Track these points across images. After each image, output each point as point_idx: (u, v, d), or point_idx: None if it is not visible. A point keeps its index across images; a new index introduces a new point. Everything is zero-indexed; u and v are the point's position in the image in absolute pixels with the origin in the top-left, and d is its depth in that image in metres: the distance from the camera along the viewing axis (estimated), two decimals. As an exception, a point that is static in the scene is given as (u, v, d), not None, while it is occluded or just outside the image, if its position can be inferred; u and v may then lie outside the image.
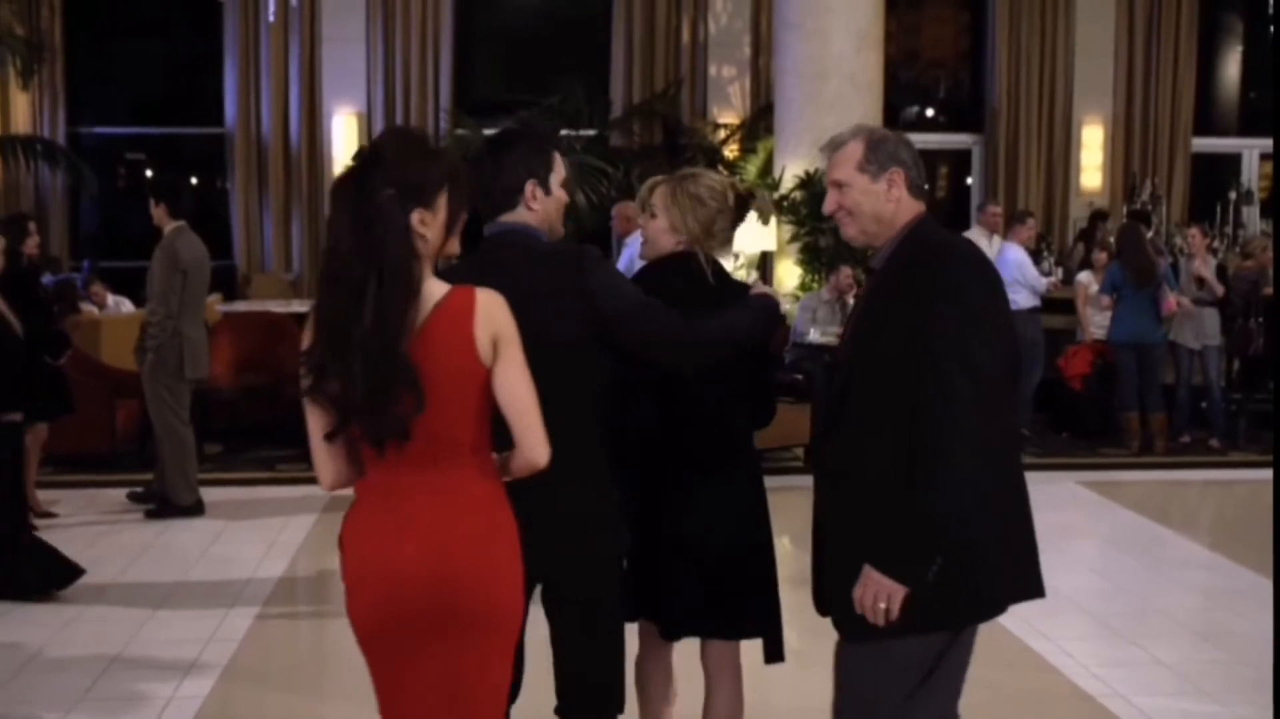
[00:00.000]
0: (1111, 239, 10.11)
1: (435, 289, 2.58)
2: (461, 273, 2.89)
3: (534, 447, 2.66)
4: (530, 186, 3.15)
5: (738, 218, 3.55)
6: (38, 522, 7.26)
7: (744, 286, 3.50)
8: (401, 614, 2.61)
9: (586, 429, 3.09)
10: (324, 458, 2.65)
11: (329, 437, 2.60)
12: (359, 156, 2.60)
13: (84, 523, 7.43)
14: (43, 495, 7.58)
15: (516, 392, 2.63)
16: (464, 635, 2.63)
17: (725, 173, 11.67)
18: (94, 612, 5.85)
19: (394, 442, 2.54)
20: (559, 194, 3.23)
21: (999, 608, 2.95)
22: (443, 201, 2.61)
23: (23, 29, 12.28)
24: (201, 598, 6.03)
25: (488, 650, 2.68)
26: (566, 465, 2.81)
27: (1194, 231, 9.48)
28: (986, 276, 2.94)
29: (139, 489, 7.74)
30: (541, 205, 3.18)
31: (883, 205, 2.98)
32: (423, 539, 2.59)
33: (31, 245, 7.27)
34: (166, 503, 7.49)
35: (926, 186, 3.06)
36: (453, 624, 2.61)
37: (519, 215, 3.16)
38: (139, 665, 5.16)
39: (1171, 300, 8.86)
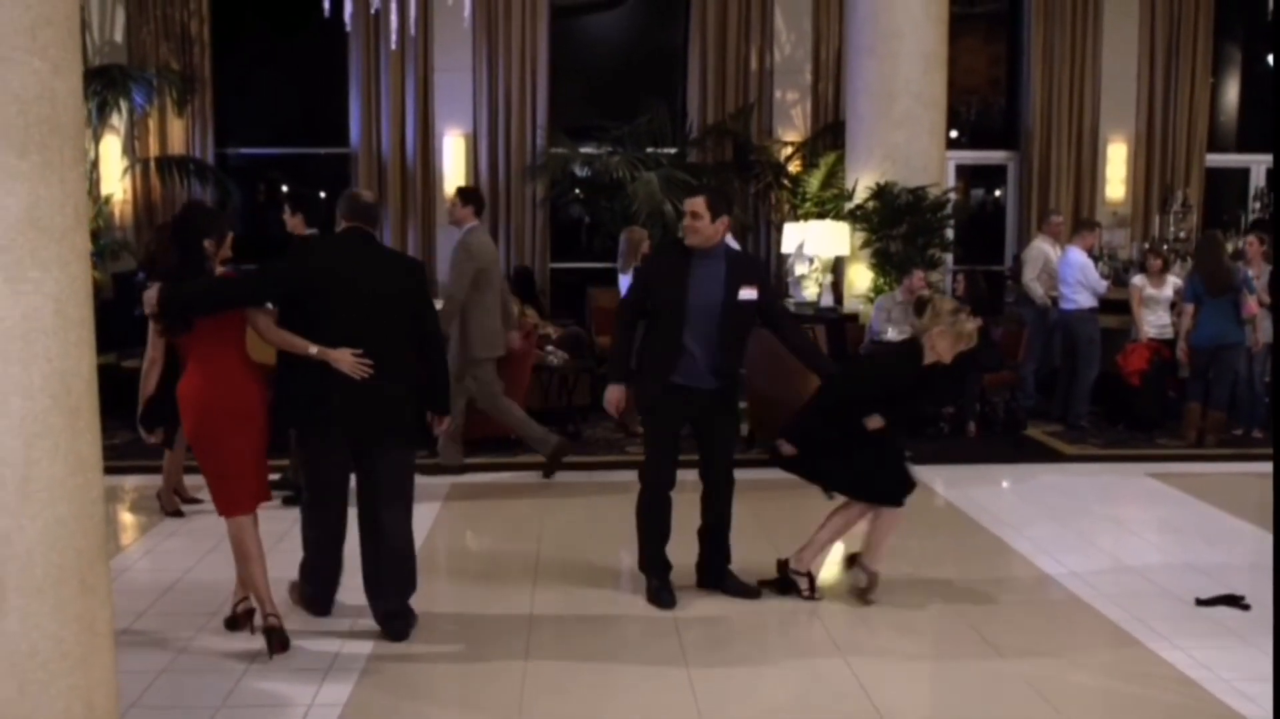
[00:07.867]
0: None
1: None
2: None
3: None
4: None
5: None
6: (185, 507, 6.51)
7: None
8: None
9: None
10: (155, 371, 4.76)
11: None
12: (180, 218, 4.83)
13: (226, 509, 6.58)
14: (189, 481, 6.76)
15: None
16: None
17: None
18: (234, 605, 4.99)
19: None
20: None
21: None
22: (218, 237, 4.65)
23: (178, 64, 12.14)
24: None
25: None
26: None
27: (1251, 239, 8.31)
28: None
29: (275, 476, 6.88)
30: None
31: None
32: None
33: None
34: (300, 491, 6.62)
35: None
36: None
37: None
38: (277, 668, 4.29)
39: (1252, 303, 7.67)
